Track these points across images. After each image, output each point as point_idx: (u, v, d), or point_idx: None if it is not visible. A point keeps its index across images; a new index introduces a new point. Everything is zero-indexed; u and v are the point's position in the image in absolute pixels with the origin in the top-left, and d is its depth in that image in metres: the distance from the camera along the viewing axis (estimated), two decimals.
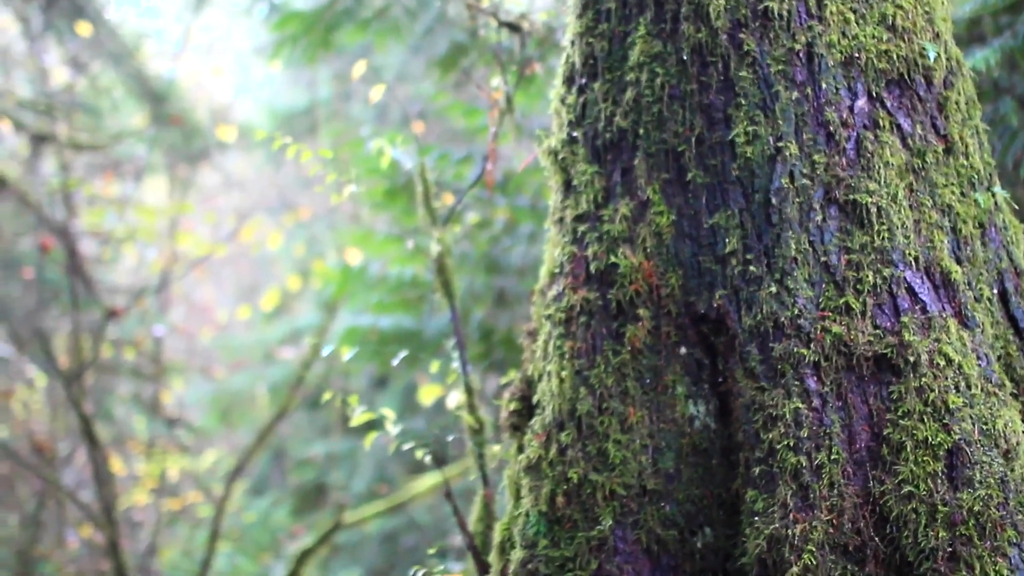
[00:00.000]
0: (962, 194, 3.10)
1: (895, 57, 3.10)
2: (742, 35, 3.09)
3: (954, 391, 2.81)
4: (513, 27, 4.45)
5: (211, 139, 12.32)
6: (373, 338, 7.33)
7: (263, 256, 16.11)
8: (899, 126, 3.07)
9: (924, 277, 2.95)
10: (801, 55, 3.07)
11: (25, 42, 12.23)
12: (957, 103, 3.18)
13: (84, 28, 10.19)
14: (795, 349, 2.89)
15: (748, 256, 2.99)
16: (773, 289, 2.94)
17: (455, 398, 4.08)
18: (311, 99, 14.88)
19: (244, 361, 15.37)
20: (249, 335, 15.60)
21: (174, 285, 16.82)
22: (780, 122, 3.03)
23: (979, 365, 2.90)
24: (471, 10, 4.31)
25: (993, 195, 3.17)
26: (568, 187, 3.36)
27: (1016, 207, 3.30)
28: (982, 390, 2.86)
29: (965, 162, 3.13)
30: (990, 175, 3.20)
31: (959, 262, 3.01)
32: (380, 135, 7.56)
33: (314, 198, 13.44)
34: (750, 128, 3.04)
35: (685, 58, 3.15)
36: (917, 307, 2.91)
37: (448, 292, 4.19)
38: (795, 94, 3.04)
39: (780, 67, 3.06)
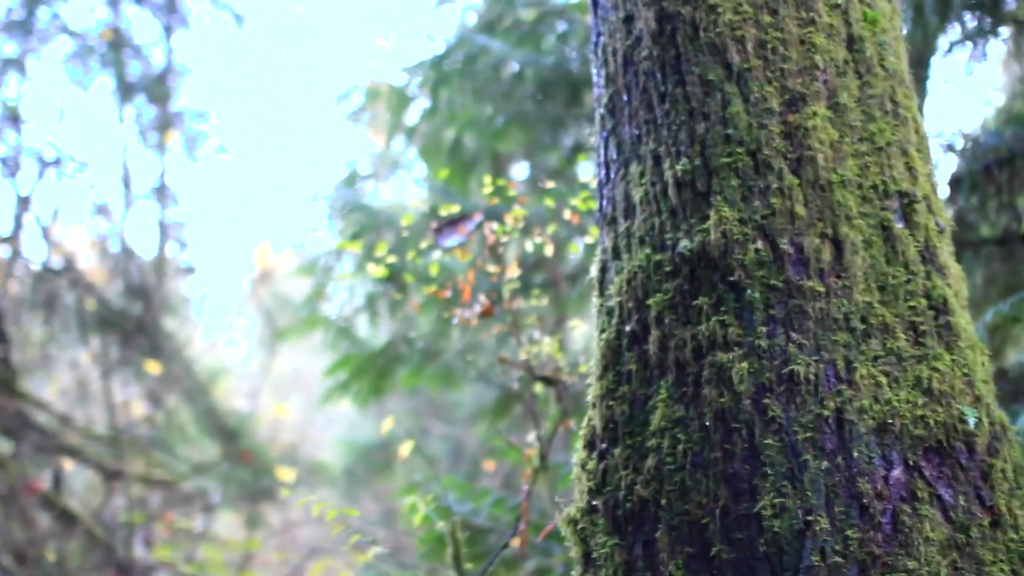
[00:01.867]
0: (1013, 572, 2.82)
1: (932, 423, 2.89)
2: (767, 400, 2.91)
3: None
4: (548, 381, 4.33)
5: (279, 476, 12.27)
6: None
7: None
8: (939, 497, 2.83)
9: None
10: (831, 421, 2.87)
11: (102, 377, 12.42)
12: (1003, 471, 2.95)
13: (153, 367, 10.32)
14: None
15: None
16: None
17: None
18: (388, 433, 14.87)
19: None
20: None
21: None
22: (809, 494, 2.81)
23: None
24: (504, 364, 4.20)
25: None
26: (588, 560, 3.14)
27: None
28: None
29: (1015, 536, 2.87)
30: None
31: None
32: (444, 476, 7.39)
33: (388, 535, 13.23)
34: (777, 500, 2.82)
35: (708, 424, 2.97)
36: None
37: None
38: (825, 463, 2.83)
39: (808, 434, 2.86)
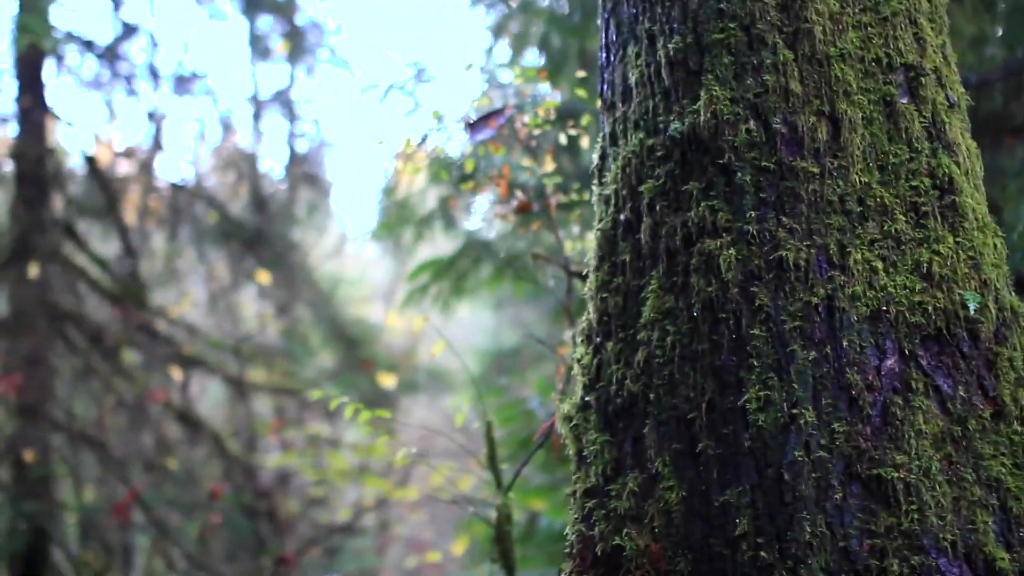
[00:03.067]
0: (1015, 466, 2.64)
1: (931, 309, 2.71)
2: (755, 288, 2.76)
3: None
4: (585, 277, 4.19)
5: (404, 382, 12.39)
6: None
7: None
8: (937, 388, 2.66)
9: (963, 565, 2.50)
10: (820, 310, 2.71)
11: (226, 290, 12.61)
12: (1011, 360, 2.76)
13: (263, 276, 10.45)
14: None
15: (759, 540, 2.60)
16: None
17: None
18: (520, 340, 14.92)
19: None
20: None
21: (394, 524, 16.83)
22: (795, 386, 2.66)
23: None
24: (537, 261, 4.08)
25: None
26: (580, 457, 3.05)
27: None
28: None
29: (1020, 428, 2.69)
30: None
31: (1008, 547, 2.55)
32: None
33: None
34: (763, 393, 2.68)
35: (696, 315, 2.83)
36: None
37: (506, 562, 3.86)
38: (813, 354, 2.68)
39: (796, 324, 2.71)
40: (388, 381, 11.44)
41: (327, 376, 12.40)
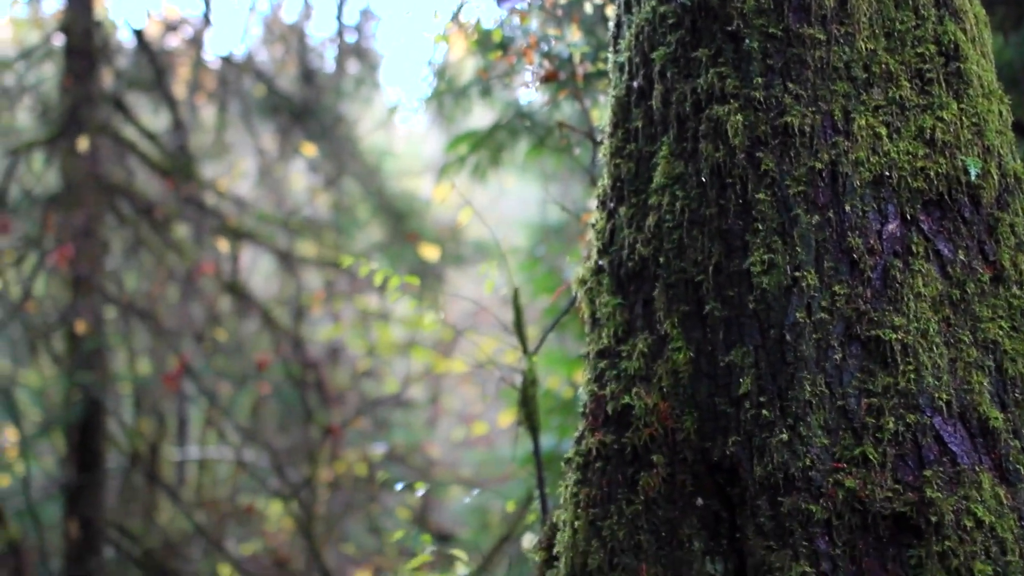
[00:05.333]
0: (1013, 329, 2.70)
1: (933, 175, 2.76)
2: (760, 153, 2.81)
3: (983, 557, 2.44)
4: None
5: (451, 256, 12.48)
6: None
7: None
8: (937, 252, 2.72)
9: (957, 424, 2.58)
10: (824, 175, 2.76)
11: (276, 162, 12.68)
12: (1012, 225, 2.80)
13: (309, 149, 10.51)
14: (804, 505, 2.57)
15: (761, 399, 2.69)
16: (785, 436, 2.63)
17: (529, 539, 3.85)
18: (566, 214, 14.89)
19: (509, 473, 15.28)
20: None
21: (443, 397, 17.07)
22: (799, 249, 2.73)
23: (1020, 526, 2.51)
24: (563, 129, 4.13)
25: None
26: (594, 320, 3.13)
27: None
28: (1021, 556, 2.46)
29: (1019, 292, 2.74)
30: None
31: (1003, 407, 2.62)
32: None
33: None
34: (766, 256, 2.75)
35: (704, 180, 2.89)
36: (945, 459, 2.54)
37: (531, 424, 3.98)
38: (816, 218, 2.74)
39: (800, 188, 2.76)
40: (433, 254, 11.51)
41: (375, 249, 12.50)
